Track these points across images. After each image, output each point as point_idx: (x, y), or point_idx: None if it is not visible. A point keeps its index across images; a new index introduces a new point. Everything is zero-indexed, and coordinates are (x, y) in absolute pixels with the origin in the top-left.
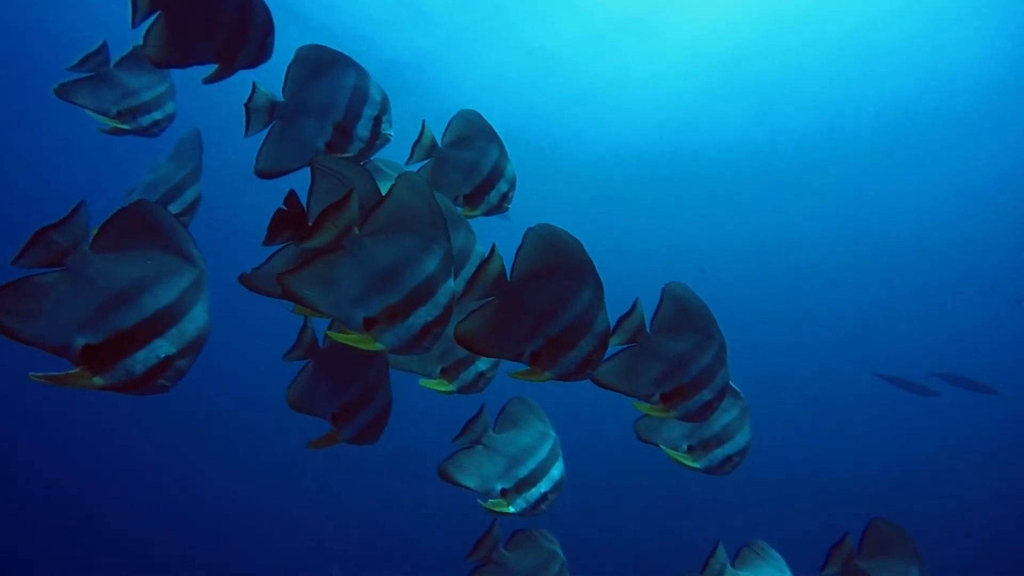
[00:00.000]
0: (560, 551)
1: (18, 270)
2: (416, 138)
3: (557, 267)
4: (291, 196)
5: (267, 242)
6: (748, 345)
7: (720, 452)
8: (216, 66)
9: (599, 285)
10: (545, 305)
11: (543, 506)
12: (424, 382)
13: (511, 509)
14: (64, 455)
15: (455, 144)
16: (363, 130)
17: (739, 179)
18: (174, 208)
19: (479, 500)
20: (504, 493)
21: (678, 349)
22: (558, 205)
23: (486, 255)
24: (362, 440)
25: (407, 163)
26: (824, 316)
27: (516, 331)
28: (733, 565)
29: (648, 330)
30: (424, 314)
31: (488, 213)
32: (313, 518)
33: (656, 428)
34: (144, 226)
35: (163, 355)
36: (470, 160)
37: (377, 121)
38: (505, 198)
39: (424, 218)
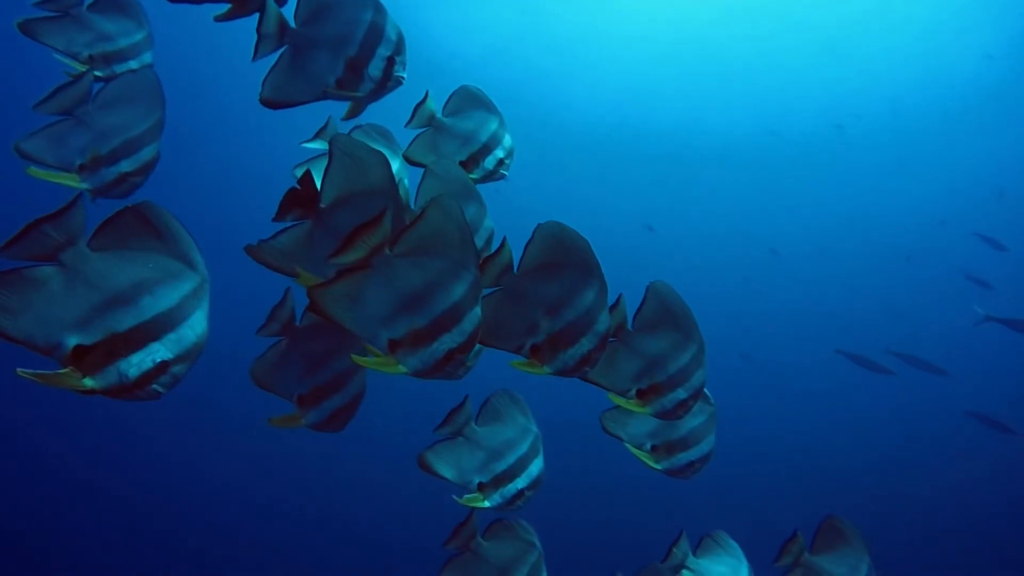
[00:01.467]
0: (538, 542)
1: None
2: (417, 103)
3: (564, 265)
4: (306, 176)
5: (277, 218)
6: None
7: (683, 456)
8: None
9: (604, 287)
10: (549, 301)
11: (519, 502)
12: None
13: (487, 504)
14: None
15: (454, 115)
16: (375, 70)
17: (712, 151)
18: (127, 166)
19: (454, 497)
20: (481, 487)
21: (658, 347)
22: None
23: (493, 232)
24: (327, 427)
25: (406, 126)
26: (777, 290)
27: (519, 324)
28: (694, 554)
29: (630, 326)
30: (449, 340)
31: (484, 179)
32: (289, 502)
33: (623, 423)
34: (147, 227)
35: (159, 359)
36: (468, 129)
37: (390, 62)
38: (501, 164)
39: (455, 243)
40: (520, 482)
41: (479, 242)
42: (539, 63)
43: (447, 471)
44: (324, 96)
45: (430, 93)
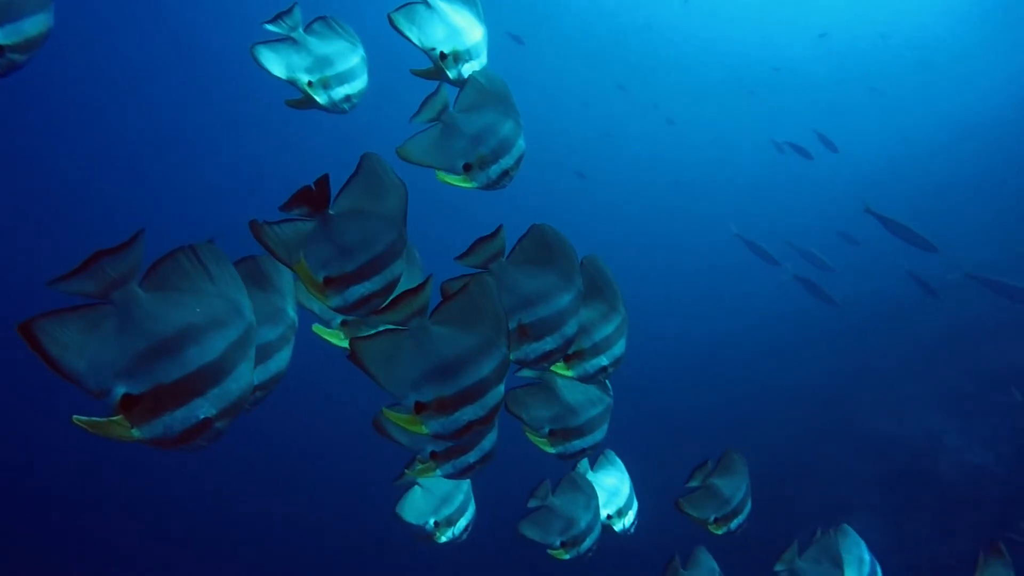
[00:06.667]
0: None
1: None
2: None
3: (549, 266)
4: (323, 180)
5: (283, 208)
6: None
7: (578, 444)
8: None
9: (580, 295)
10: (527, 295)
11: (469, 475)
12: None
13: (438, 473)
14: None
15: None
16: None
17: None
18: (2, 37)
19: (405, 471)
20: (434, 455)
21: (586, 316)
22: None
23: (524, 154)
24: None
25: None
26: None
27: None
28: (592, 469)
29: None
30: (470, 412)
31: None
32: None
33: (525, 405)
34: (199, 268)
35: (203, 416)
36: (459, 25)
37: None
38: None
39: (490, 321)
40: (471, 456)
41: (510, 161)
42: None
43: (401, 436)
44: None
45: None
